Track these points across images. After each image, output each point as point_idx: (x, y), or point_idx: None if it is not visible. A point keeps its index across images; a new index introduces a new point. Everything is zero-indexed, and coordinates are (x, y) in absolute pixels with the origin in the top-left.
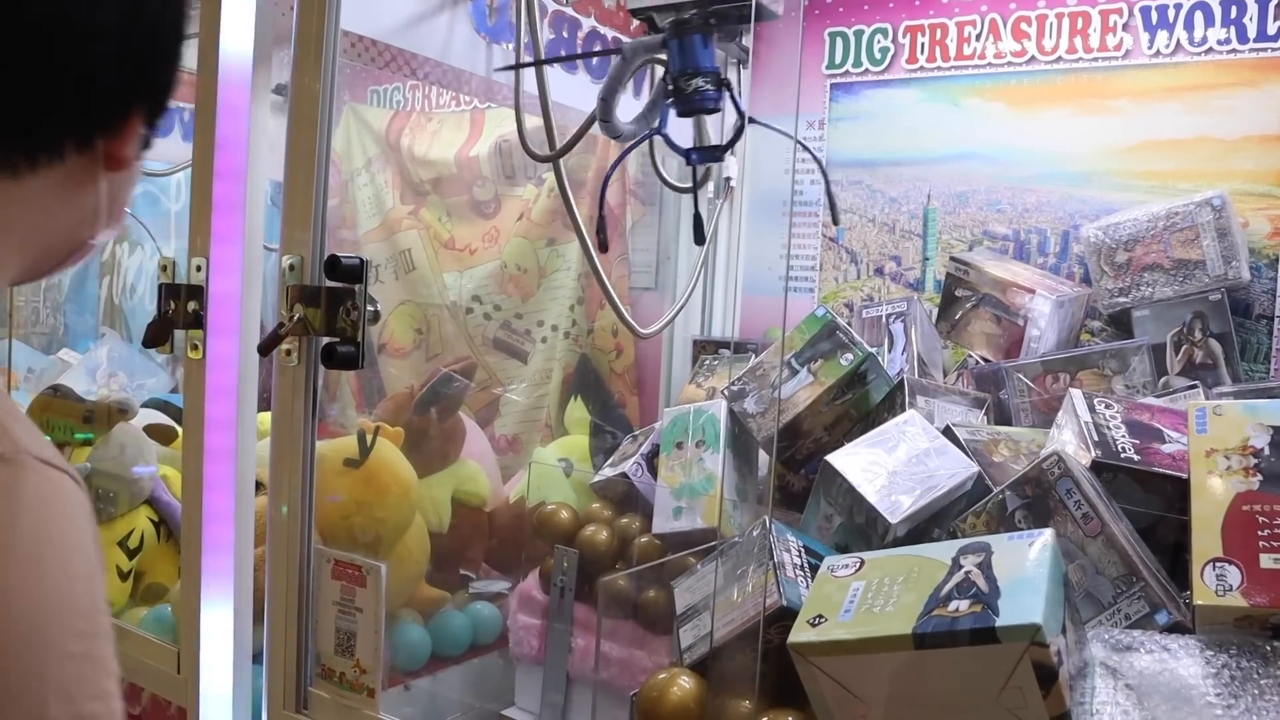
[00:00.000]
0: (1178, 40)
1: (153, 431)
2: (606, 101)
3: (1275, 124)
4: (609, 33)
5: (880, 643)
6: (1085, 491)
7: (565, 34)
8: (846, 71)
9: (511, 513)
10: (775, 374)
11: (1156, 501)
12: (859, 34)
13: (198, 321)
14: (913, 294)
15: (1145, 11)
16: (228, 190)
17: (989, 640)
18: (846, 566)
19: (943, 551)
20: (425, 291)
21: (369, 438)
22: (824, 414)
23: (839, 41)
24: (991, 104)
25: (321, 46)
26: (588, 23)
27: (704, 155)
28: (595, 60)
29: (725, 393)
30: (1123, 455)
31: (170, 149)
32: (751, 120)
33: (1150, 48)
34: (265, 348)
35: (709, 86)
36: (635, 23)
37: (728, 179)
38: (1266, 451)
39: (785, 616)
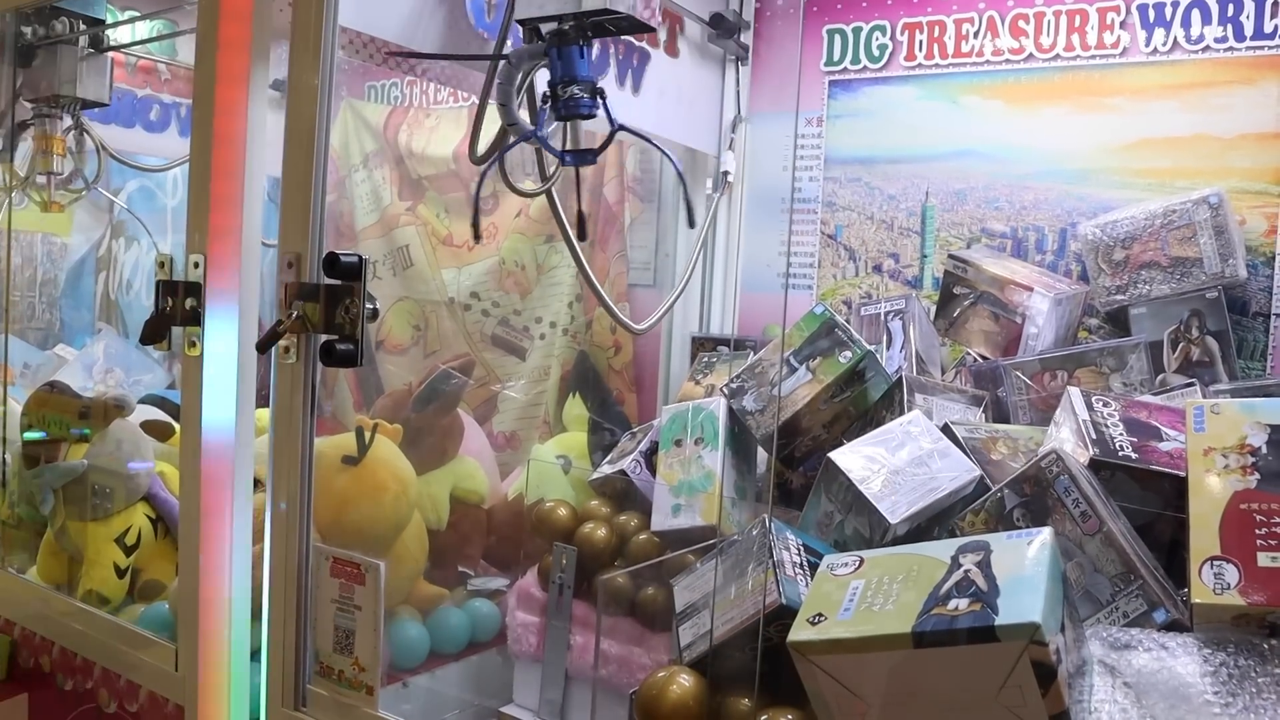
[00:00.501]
0: (1175, 38)
1: (150, 428)
2: (505, 105)
3: (1272, 122)
4: None
5: (879, 641)
6: (1083, 489)
7: None
8: (845, 68)
9: (510, 510)
10: (774, 371)
11: (1154, 500)
12: (857, 31)
13: (195, 318)
14: (911, 291)
15: (1143, 9)
16: (225, 186)
17: (988, 639)
18: (846, 565)
19: (942, 550)
20: (423, 288)
21: (367, 435)
22: (823, 411)
23: (837, 38)
24: (990, 101)
25: (319, 42)
26: None
27: (577, 157)
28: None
29: (724, 390)
30: (1120, 453)
31: (168, 144)
32: (621, 128)
33: (1148, 45)
34: (263, 345)
35: (584, 94)
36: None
37: (725, 173)
38: (1264, 450)
39: (784, 615)
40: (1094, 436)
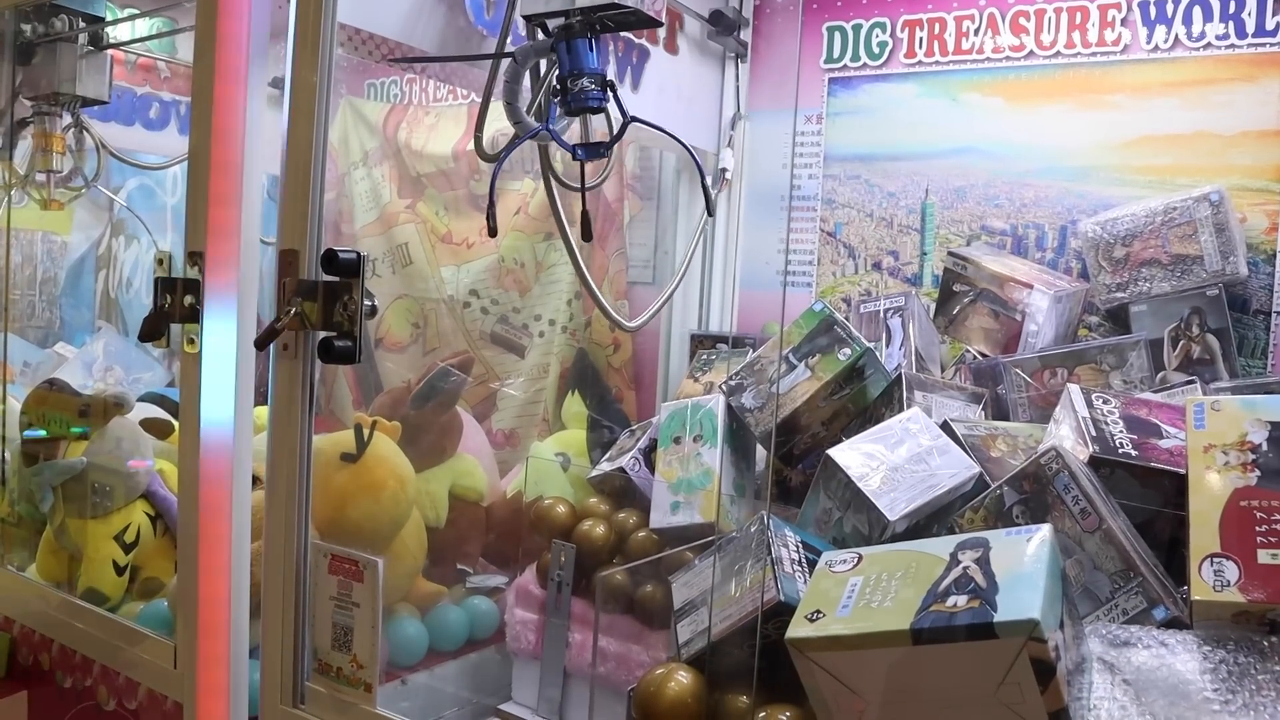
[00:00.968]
0: (1176, 35)
1: (149, 425)
2: (511, 104)
3: (1273, 119)
4: None
5: (878, 638)
6: (1083, 487)
7: None
8: (845, 66)
9: (509, 507)
10: (773, 369)
11: (1154, 497)
12: (857, 28)
13: (194, 315)
14: (910, 289)
15: (1144, 6)
16: (224, 184)
17: (987, 636)
18: (844, 562)
19: (941, 547)
20: (422, 286)
21: (366, 432)
22: (822, 409)
23: (837, 36)
24: (990, 99)
25: (318, 39)
26: None
27: (589, 151)
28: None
29: (723, 387)
30: (1120, 450)
31: (167, 142)
32: (634, 119)
33: (1149, 43)
34: (262, 342)
35: (594, 87)
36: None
37: (723, 170)
38: (1264, 447)
39: (783, 612)
40: (1094, 434)
